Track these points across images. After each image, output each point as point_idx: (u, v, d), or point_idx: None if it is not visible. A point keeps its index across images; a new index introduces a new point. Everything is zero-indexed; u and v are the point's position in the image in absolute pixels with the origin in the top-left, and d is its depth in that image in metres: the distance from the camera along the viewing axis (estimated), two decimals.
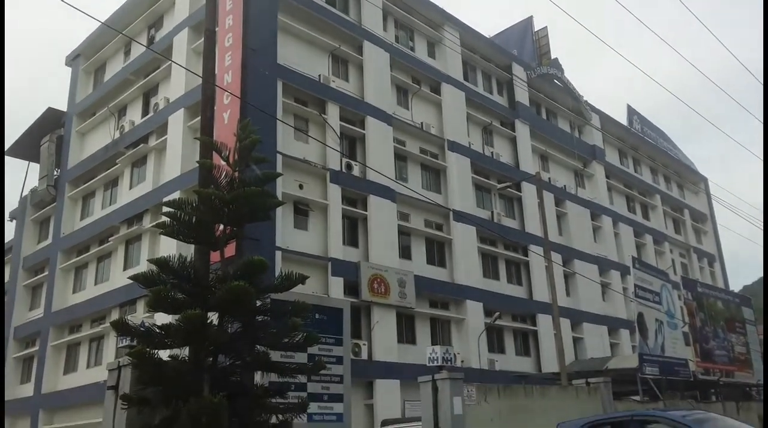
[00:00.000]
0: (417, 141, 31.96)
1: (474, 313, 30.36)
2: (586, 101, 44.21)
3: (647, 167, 50.99)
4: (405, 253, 29.13)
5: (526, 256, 34.47)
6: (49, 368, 31.74)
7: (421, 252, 30.09)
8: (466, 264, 31.01)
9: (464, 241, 31.30)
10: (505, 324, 32.33)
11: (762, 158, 41.91)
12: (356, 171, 27.96)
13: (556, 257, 32.68)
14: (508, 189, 32.03)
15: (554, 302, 22.46)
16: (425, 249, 30.41)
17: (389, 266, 27.29)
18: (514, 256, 34.67)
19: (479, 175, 34.20)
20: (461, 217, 30.46)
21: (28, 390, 32.97)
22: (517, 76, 38.56)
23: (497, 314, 30.19)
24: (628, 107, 50.11)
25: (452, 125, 33.38)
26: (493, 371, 29.01)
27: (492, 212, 34.27)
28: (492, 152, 36.05)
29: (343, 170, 27.43)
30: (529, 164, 37.31)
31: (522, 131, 38.21)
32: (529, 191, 35.11)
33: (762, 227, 24.42)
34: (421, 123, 32.09)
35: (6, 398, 33.77)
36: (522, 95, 39.02)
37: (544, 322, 33.00)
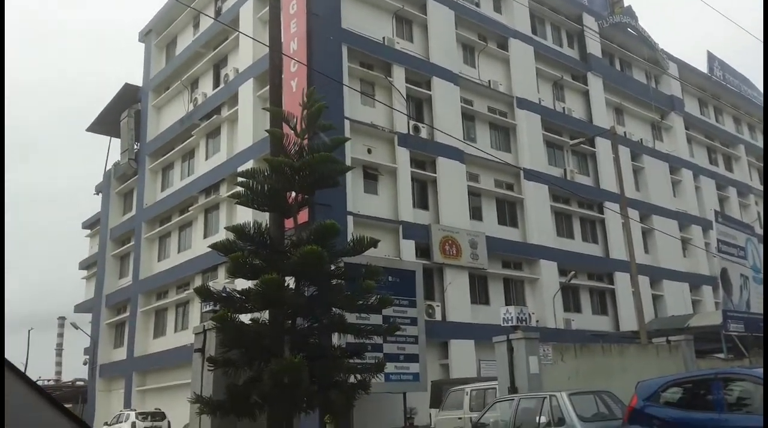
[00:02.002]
0: (485, 100, 31.41)
1: (548, 272, 30.01)
2: (662, 50, 42.14)
3: (730, 116, 48.42)
4: (476, 214, 28.95)
5: (602, 213, 33.62)
6: (139, 332, 33.59)
7: (492, 213, 29.83)
8: (538, 223, 30.57)
9: (536, 200, 30.80)
10: (581, 283, 31.82)
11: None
12: (424, 133, 27.82)
13: (633, 214, 31.72)
14: (582, 145, 31.17)
15: (632, 260, 21.90)
16: (496, 209, 30.11)
17: (460, 228, 27.22)
18: (589, 214, 33.88)
19: (550, 132, 33.38)
20: (532, 175, 29.90)
21: (121, 353, 35.04)
22: (589, 27, 37.07)
23: (572, 273, 29.73)
24: (708, 53, 47.46)
25: (521, 81, 32.58)
26: (570, 330, 28.71)
27: (565, 170, 33.49)
28: (563, 108, 35.06)
29: (411, 133, 27.34)
30: (603, 118, 36.10)
31: (595, 84, 36.92)
32: (603, 146, 34.04)
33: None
34: (489, 81, 31.47)
35: (101, 362, 36.11)
36: (594, 47, 37.57)
37: (621, 280, 32.28)
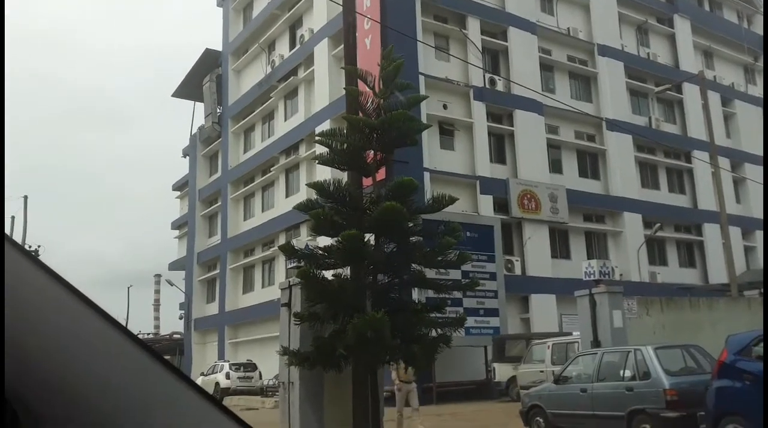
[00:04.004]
0: (564, 48, 30.37)
1: (632, 225, 29.20)
2: None
3: None
4: (555, 167, 28.37)
5: (690, 163, 32.21)
6: (229, 288, 35.21)
7: (572, 165, 29.15)
8: (622, 175, 29.65)
9: (619, 151, 29.81)
10: (667, 236, 30.83)
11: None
12: (500, 86, 27.30)
13: (724, 162, 30.22)
14: (668, 92, 29.76)
15: (722, 211, 21.03)
16: (577, 162, 29.40)
17: (539, 182, 26.80)
18: (676, 163, 32.54)
19: (634, 79, 32.01)
20: (615, 125, 28.87)
21: (213, 308, 36.89)
22: None
23: (658, 225, 28.81)
24: None
25: (602, 27, 31.25)
26: (655, 284, 27.99)
27: (649, 118, 32.16)
28: (648, 53, 33.44)
29: (487, 86, 26.88)
30: (690, 62, 34.23)
31: (682, 26, 34.93)
32: (691, 92, 32.33)
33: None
34: (568, 28, 30.35)
35: (195, 316, 38.10)
36: None
37: (710, 232, 31.02)
